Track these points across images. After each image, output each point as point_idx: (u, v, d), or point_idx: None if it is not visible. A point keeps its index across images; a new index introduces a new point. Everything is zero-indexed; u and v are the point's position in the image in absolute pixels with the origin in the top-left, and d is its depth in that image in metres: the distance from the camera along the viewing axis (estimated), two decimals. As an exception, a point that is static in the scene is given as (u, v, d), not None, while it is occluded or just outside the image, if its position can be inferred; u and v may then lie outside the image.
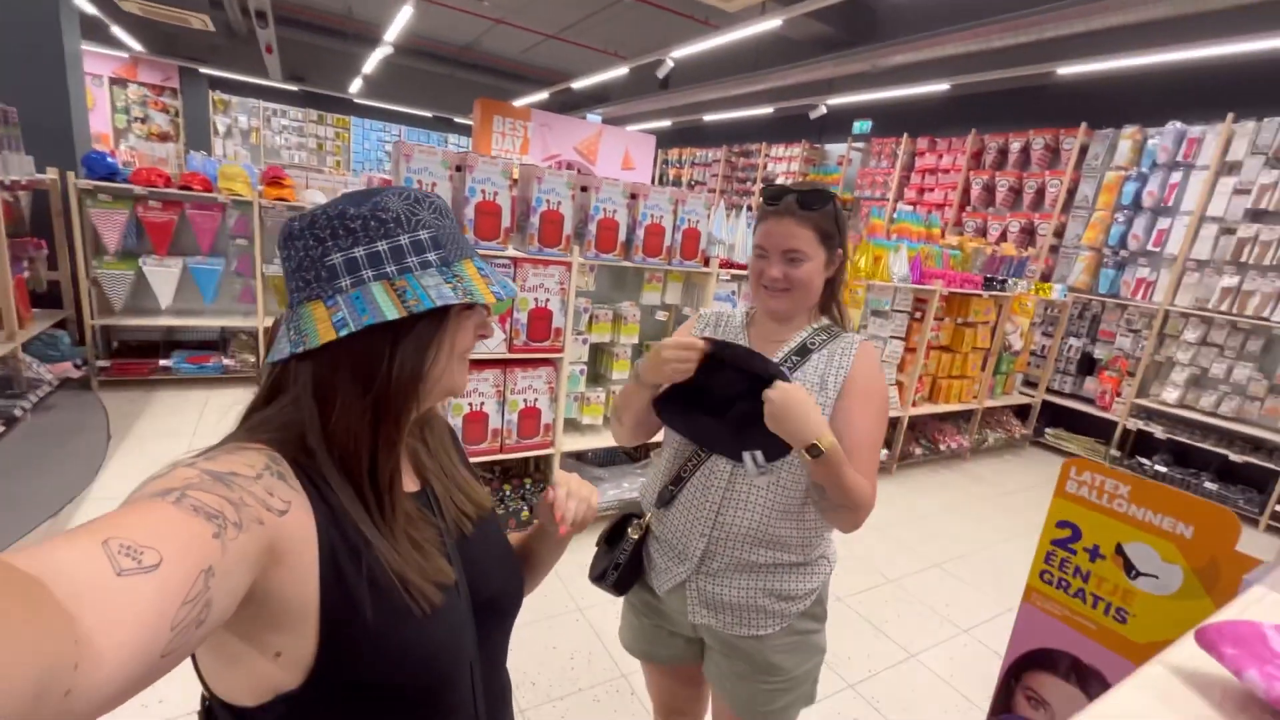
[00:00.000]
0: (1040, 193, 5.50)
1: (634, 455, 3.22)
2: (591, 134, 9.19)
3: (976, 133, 6.01)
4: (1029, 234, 5.58)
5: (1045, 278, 5.30)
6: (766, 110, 8.26)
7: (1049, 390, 5.06)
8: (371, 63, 9.32)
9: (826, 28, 5.92)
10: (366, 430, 0.57)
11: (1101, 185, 4.95)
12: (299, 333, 0.55)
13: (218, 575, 0.41)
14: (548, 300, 2.44)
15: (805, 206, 1.04)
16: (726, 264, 2.96)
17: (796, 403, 0.91)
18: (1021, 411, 5.02)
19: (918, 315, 3.90)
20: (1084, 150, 5.15)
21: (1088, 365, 5.09)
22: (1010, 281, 4.32)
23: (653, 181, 10.46)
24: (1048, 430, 5.00)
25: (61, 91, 3.91)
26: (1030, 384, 5.09)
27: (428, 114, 11.98)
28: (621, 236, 2.57)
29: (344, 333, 0.54)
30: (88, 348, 3.70)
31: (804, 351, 1.10)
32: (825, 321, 1.15)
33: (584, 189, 2.49)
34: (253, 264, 4.03)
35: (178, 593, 0.37)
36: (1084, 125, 5.11)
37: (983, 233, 5.91)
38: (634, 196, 2.58)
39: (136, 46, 9.28)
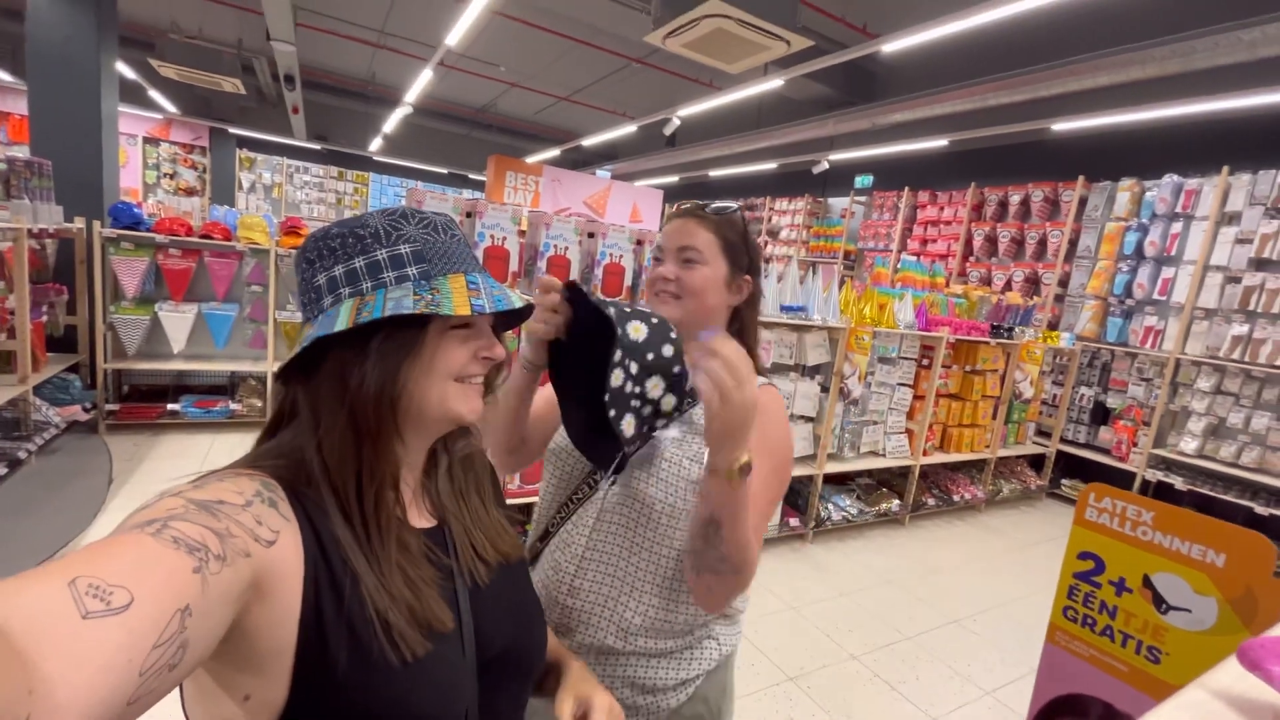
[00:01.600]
0: (1042, 243, 5.56)
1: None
2: (600, 189, 9.46)
3: (976, 186, 6.14)
4: (1033, 283, 5.61)
5: (1053, 326, 5.29)
6: (770, 166, 8.51)
7: (1063, 440, 4.96)
8: (391, 122, 9.75)
9: (826, 88, 6.17)
10: (350, 452, 0.55)
11: (1103, 235, 5.00)
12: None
13: (195, 614, 0.38)
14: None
15: (711, 212, 0.95)
16: (731, 309, 2.98)
17: (746, 367, 0.67)
18: (1036, 461, 4.91)
19: (925, 362, 3.88)
20: (1083, 202, 5.24)
21: (1101, 414, 5.00)
22: (1017, 329, 4.31)
23: (660, 234, 10.69)
24: (1064, 481, 4.87)
25: (96, 148, 4.11)
26: (1043, 433, 5.00)
27: (443, 170, 12.43)
28: (628, 281, 2.61)
29: (299, 350, 0.53)
30: (98, 392, 3.73)
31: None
32: None
33: (590, 235, 2.54)
34: (266, 309, 4.10)
35: (149, 635, 0.35)
36: (1081, 178, 5.22)
37: (987, 282, 5.94)
38: (640, 242, 2.62)
39: (171, 108, 9.81)
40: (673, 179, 11.03)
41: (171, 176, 10.49)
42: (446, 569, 0.61)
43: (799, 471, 3.34)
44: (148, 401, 3.98)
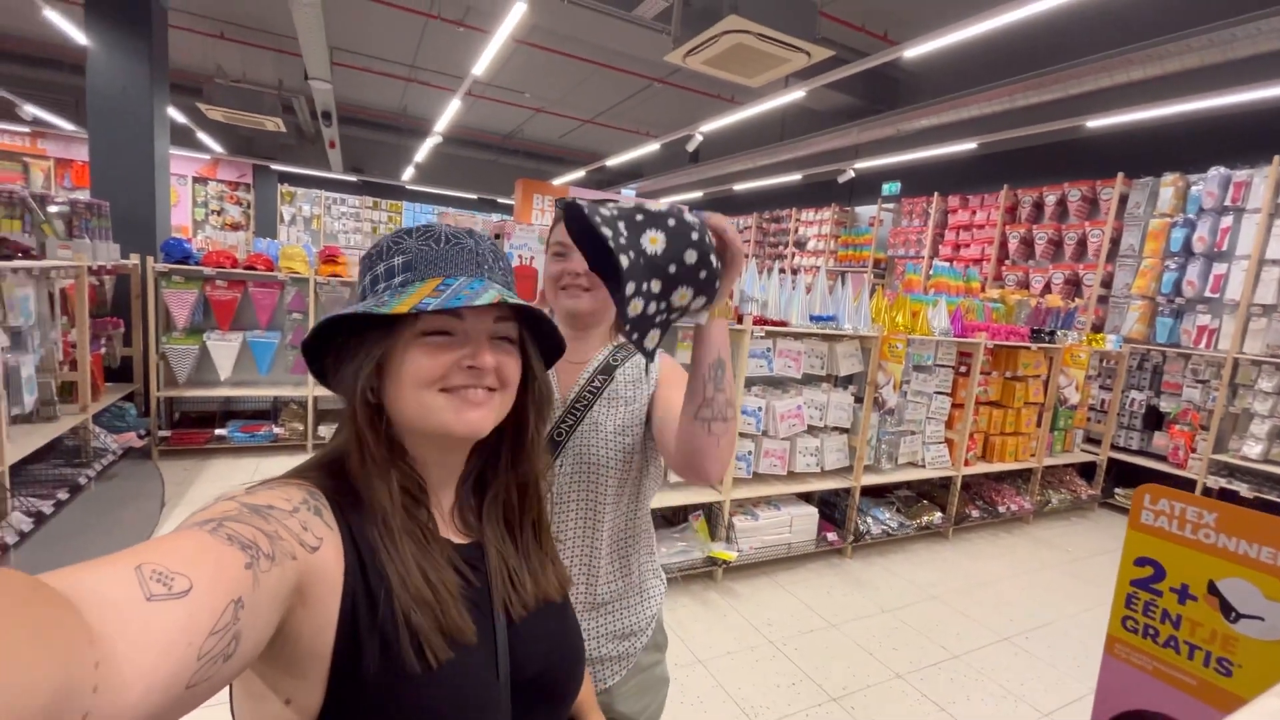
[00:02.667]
0: (1082, 243, 5.38)
1: (672, 518, 3.12)
2: (626, 207, 9.59)
3: (1009, 188, 6.00)
4: (1074, 285, 5.43)
5: (1097, 328, 5.10)
6: (795, 177, 8.48)
7: (1114, 447, 4.74)
8: (422, 152, 10.07)
9: (849, 97, 6.14)
10: (358, 457, 0.57)
11: (1147, 233, 4.82)
12: None
13: (247, 607, 0.40)
14: None
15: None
16: (760, 321, 2.96)
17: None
18: (1086, 470, 4.70)
19: (963, 370, 3.77)
20: (1124, 199, 5.06)
21: (1154, 419, 4.77)
22: (1059, 333, 4.16)
23: (686, 249, 10.72)
24: (1117, 490, 4.64)
25: (149, 188, 4.35)
26: (1093, 440, 4.79)
27: (473, 196, 12.75)
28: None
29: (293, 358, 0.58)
30: (151, 419, 3.91)
31: (608, 370, 0.99)
32: (622, 340, 1.04)
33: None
34: (303, 336, 4.24)
35: (206, 621, 0.37)
36: (1121, 175, 5.05)
37: (1025, 285, 5.77)
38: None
39: (218, 149, 10.34)
40: (697, 194, 11.08)
41: (219, 213, 11.03)
42: (476, 586, 0.61)
43: (835, 484, 3.27)
44: (197, 427, 4.14)
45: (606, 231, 0.65)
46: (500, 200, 12.82)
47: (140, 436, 3.77)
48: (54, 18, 5.22)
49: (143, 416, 3.94)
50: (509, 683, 0.59)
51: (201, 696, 0.37)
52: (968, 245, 6.42)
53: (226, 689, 0.54)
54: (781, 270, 3.21)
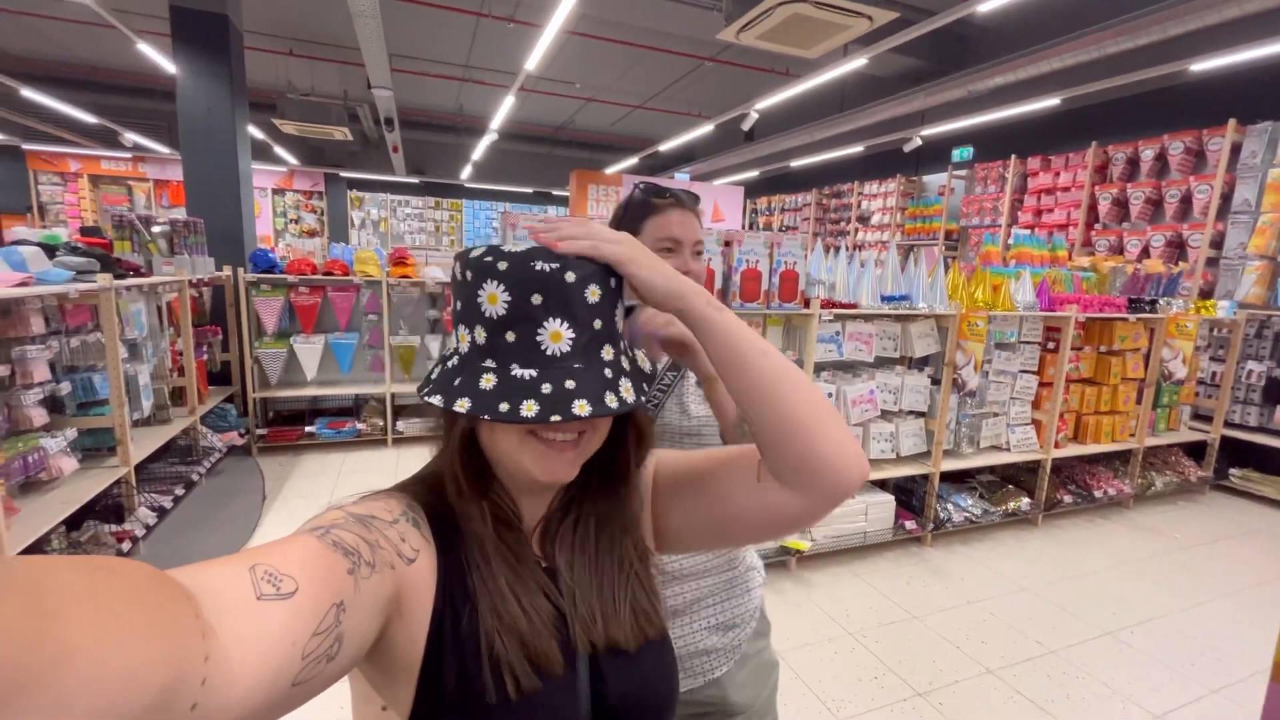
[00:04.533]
0: (1186, 200, 4.88)
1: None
2: (680, 191, 9.49)
3: (1098, 145, 5.51)
4: (1177, 247, 4.94)
5: (1206, 294, 4.63)
6: (857, 149, 8.12)
7: (1228, 424, 4.31)
8: (479, 150, 10.30)
9: (915, 60, 5.80)
10: (456, 481, 0.56)
11: (1265, 185, 4.32)
12: None
13: (349, 610, 0.42)
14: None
15: (695, 204, 1.01)
16: (828, 304, 2.86)
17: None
18: (1195, 450, 4.31)
19: (1051, 346, 3.52)
20: (1236, 149, 4.55)
21: (1276, 393, 4.31)
22: (1161, 301, 3.81)
23: (745, 230, 10.53)
24: (1232, 472, 4.23)
25: (236, 204, 4.65)
26: (1203, 418, 4.38)
27: (529, 190, 12.96)
28: (717, 284, 2.57)
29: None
30: (249, 418, 4.22)
31: (677, 366, 1.02)
32: None
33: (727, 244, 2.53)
34: (382, 336, 4.46)
35: (310, 622, 0.38)
36: (1232, 122, 4.53)
37: (1119, 250, 5.31)
38: (728, 244, 2.58)
39: (293, 160, 10.96)
40: (752, 174, 10.82)
41: (296, 221, 11.70)
42: (564, 614, 0.58)
43: (912, 470, 3.14)
44: (289, 425, 4.44)
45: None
46: (555, 192, 12.95)
47: (241, 435, 4.08)
48: (147, 50, 5.64)
49: (242, 416, 4.25)
50: (590, 713, 0.56)
51: (306, 695, 0.39)
52: (1051, 210, 5.96)
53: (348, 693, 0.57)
54: (847, 248, 3.09)
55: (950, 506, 3.33)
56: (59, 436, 2.44)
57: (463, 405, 0.50)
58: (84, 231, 3.34)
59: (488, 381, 0.51)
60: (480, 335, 0.53)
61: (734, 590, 1.03)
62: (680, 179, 10.09)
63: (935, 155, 7.51)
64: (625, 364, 0.55)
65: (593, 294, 0.52)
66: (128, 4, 5.27)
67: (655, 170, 11.56)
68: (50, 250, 2.60)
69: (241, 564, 0.38)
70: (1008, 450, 3.48)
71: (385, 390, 4.48)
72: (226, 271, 4.17)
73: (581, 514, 0.63)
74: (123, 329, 2.83)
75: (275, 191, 11.49)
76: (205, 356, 4.11)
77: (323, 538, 0.44)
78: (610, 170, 10.49)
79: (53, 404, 2.47)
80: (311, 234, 11.66)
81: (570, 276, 0.51)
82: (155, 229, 3.59)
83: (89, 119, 8.31)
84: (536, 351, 0.51)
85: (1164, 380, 3.90)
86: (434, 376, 0.56)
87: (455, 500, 0.56)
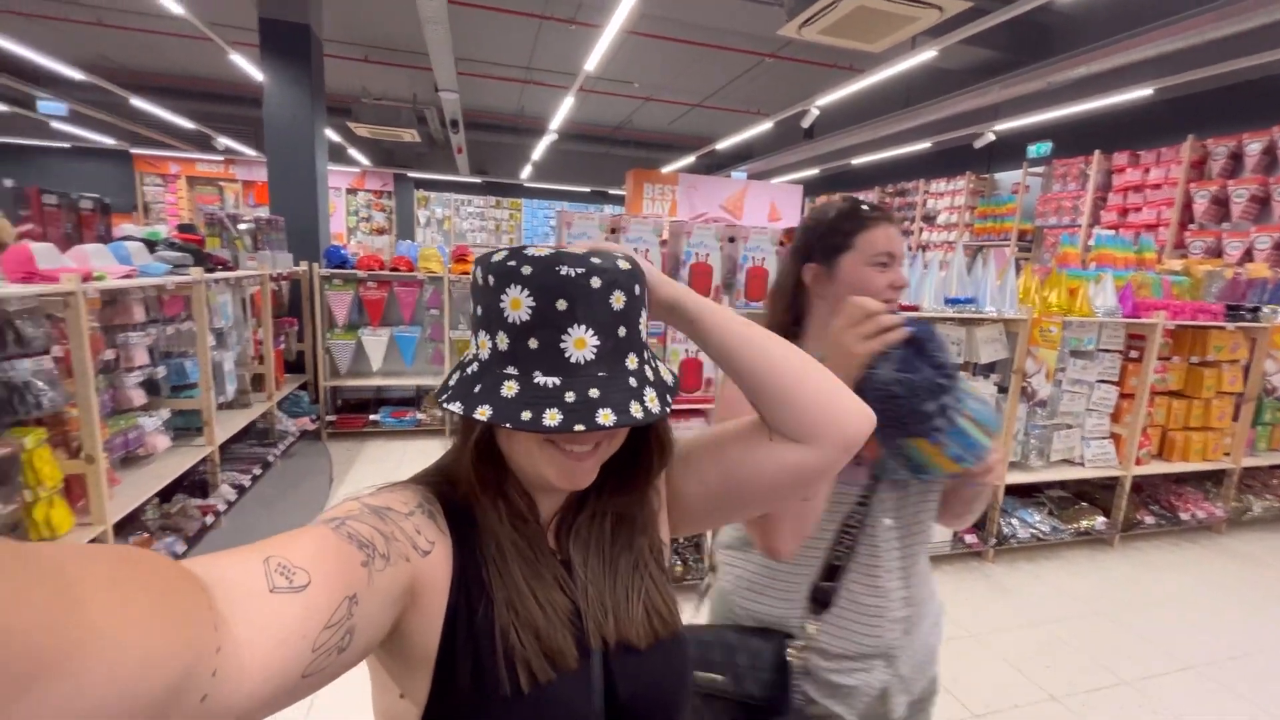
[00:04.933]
0: (1299, 199, 4.44)
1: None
2: (736, 190, 9.38)
3: (1195, 138, 5.09)
4: (1287, 250, 4.50)
5: (1320, 302, 4.20)
6: (923, 145, 7.80)
7: (1344, 446, 3.90)
8: (539, 150, 10.52)
9: (989, 51, 5.52)
10: (475, 478, 0.57)
11: (1397, 181, 3.87)
12: None
13: (361, 603, 0.42)
14: (697, 351, 2.46)
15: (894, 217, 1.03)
16: (886, 306, 2.77)
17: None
18: (1302, 473, 3.91)
19: (1134, 355, 3.28)
20: (1362, 142, 4.10)
21: (1405, 413, 3.85)
22: (1265, 309, 3.48)
23: (801, 230, 10.30)
24: (1348, 498, 3.82)
25: (313, 203, 4.94)
26: (1312, 437, 3.97)
27: (586, 189, 13.14)
28: (771, 283, 2.54)
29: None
30: (320, 405, 4.47)
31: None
32: None
33: (731, 239, 2.51)
34: (442, 330, 4.63)
35: (321, 615, 0.39)
36: (1358, 112, 4.09)
37: (1216, 253, 4.89)
38: (783, 243, 2.55)
39: (365, 162, 11.53)
40: (812, 172, 10.58)
41: (367, 220, 12.31)
42: (578, 606, 0.58)
43: (974, 481, 3.00)
44: (356, 413, 4.68)
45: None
46: (612, 191, 13.08)
47: (312, 421, 4.33)
48: (237, 60, 6.07)
49: (314, 403, 4.52)
50: (603, 709, 0.56)
51: (316, 685, 0.39)
52: (1138, 209, 5.55)
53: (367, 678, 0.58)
54: (911, 248, 2.97)
55: (1015, 521, 3.16)
56: (155, 416, 2.67)
57: (484, 413, 0.49)
58: (181, 229, 3.63)
59: (509, 389, 0.50)
60: (502, 341, 0.52)
61: (936, 626, 1.05)
62: (737, 178, 9.99)
63: (1009, 151, 7.13)
64: (650, 374, 0.55)
65: (618, 300, 0.52)
66: (223, 18, 5.68)
67: (712, 169, 11.49)
68: (151, 245, 2.84)
69: (256, 556, 0.38)
70: (1081, 465, 3.27)
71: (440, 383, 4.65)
72: (303, 266, 4.43)
73: (598, 510, 0.62)
74: (211, 319, 3.06)
75: (349, 191, 12.13)
76: (282, 346, 4.38)
77: (338, 529, 0.44)
78: (667, 169, 10.49)
79: (150, 386, 2.70)
80: (380, 232, 12.24)
81: (596, 282, 0.50)
82: (241, 226, 3.86)
83: (187, 125, 9.01)
84: (560, 359, 0.50)
85: (1266, 395, 3.56)
86: (451, 383, 0.54)
87: (472, 494, 0.57)
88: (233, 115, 9.35)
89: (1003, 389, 3.02)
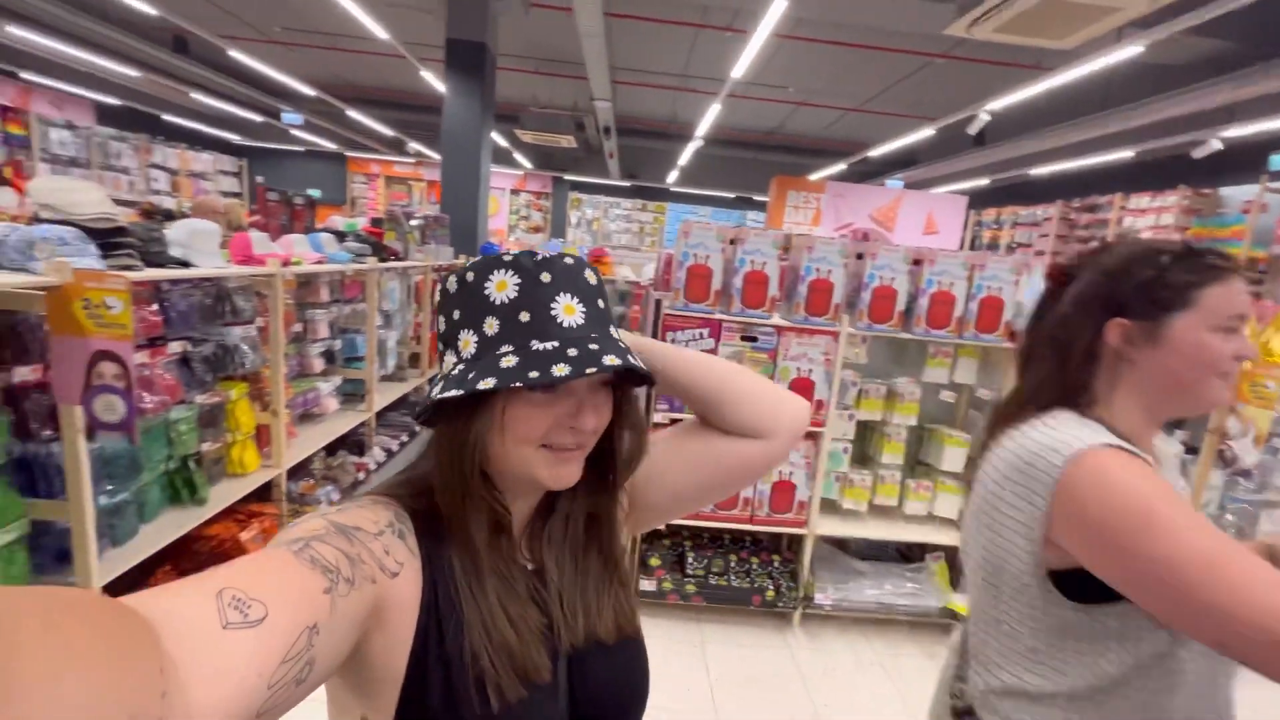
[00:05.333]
0: None
1: (908, 554, 2.80)
2: (889, 200, 8.78)
3: None
4: None
5: None
6: (1124, 154, 6.73)
7: None
8: (686, 155, 10.69)
9: (1217, 42, 4.61)
10: (454, 493, 0.55)
11: None
12: None
13: (322, 633, 0.41)
14: (810, 371, 2.36)
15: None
16: (1040, 339, 2.44)
17: None
18: None
19: (1396, 425, 2.56)
20: None
21: None
22: None
23: (963, 246, 9.38)
24: None
25: (474, 202, 5.49)
26: None
27: (730, 195, 13.09)
28: (900, 305, 2.36)
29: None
30: (463, 385, 4.96)
31: None
32: None
33: (859, 256, 2.38)
34: (573, 326, 4.92)
35: (278, 651, 0.37)
36: None
37: None
38: (917, 263, 2.35)
39: (528, 165, 12.52)
40: (980, 182, 9.58)
41: (526, 218, 13.37)
42: (549, 616, 0.59)
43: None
44: (492, 395, 5.12)
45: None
46: (755, 198, 12.90)
47: (455, 398, 4.81)
48: (426, 75, 6.91)
49: (458, 383, 5.02)
50: (567, 716, 0.58)
51: (274, 718, 0.38)
52: None
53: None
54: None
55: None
56: (329, 382, 3.14)
57: (488, 383, 0.49)
58: (372, 223, 4.24)
59: (508, 362, 0.51)
60: (491, 326, 0.53)
61: None
62: (892, 185, 9.35)
63: (1241, 162, 5.89)
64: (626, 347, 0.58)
65: (590, 277, 0.56)
66: (416, 38, 6.49)
67: (865, 177, 10.87)
68: (342, 236, 3.35)
69: (209, 589, 0.36)
70: (1301, 554, 2.63)
71: (571, 375, 4.93)
72: (462, 260, 4.94)
73: (572, 512, 0.64)
74: (381, 302, 3.53)
75: (513, 192, 13.26)
76: (437, 330, 4.92)
77: (300, 553, 0.43)
78: (815, 176, 10.12)
79: (328, 356, 3.19)
80: (536, 230, 13.22)
81: (569, 260, 0.56)
82: (413, 222, 4.39)
83: (386, 131, 10.43)
84: (554, 324, 0.53)
85: None
86: (434, 394, 0.53)
87: (453, 508, 0.55)
88: (422, 122, 10.64)
89: (1191, 450, 2.53)
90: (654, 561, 2.55)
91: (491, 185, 12.21)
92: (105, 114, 8.86)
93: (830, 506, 2.61)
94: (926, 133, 7.20)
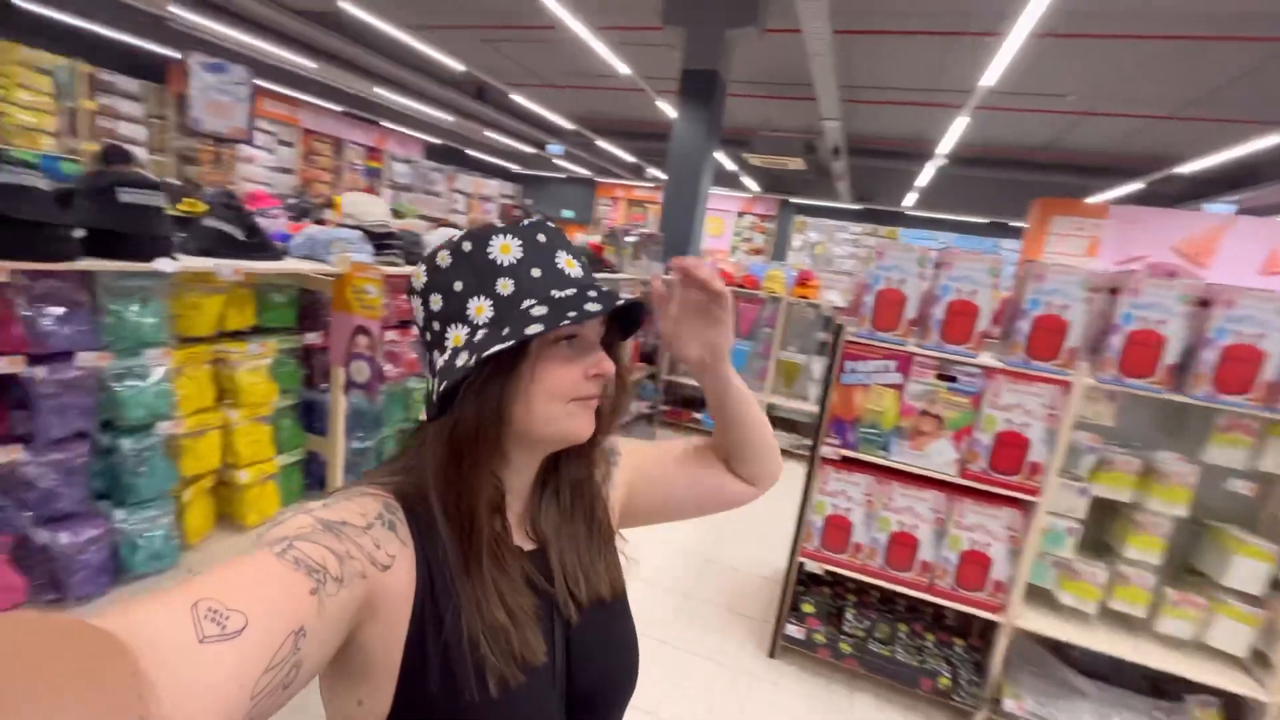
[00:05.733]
0: None
1: (1161, 686, 2.12)
2: (1205, 229, 6.86)
3: None
4: None
5: None
6: None
7: None
8: (924, 176, 9.72)
9: None
10: (453, 475, 0.55)
11: None
12: None
13: (309, 635, 0.40)
14: (1026, 425, 1.95)
15: None
16: None
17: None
18: None
19: None
20: None
21: None
22: None
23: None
24: None
25: (689, 221, 5.71)
26: None
27: (981, 220, 11.53)
28: (1170, 358, 1.82)
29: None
30: (658, 394, 5.18)
31: None
32: None
33: (1113, 291, 1.90)
34: (771, 348, 4.79)
35: (261, 660, 0.36)
36: None
37: None
38: (1204, 304, 1.79)
39: (755, 188, 12.63)
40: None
41: (748, 241, 13.49)
42: (546, 597, 0.60)
43: None
44: (684, 408, 5.25)
45: None
46: (1013, 224, 11.16)
47: (649, 406, 5.05)
48: (661, 105, 7.42)
49: (654, 391, 5.26)
50: (564, 695, 0.59)
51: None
52: None
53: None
54: None
55: None
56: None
57: (535, 329, 0.50)
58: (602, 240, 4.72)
59: (539, 311, 0.52)
60: (505, 287, 0.54)
61: None
62: (1219, 210, 7.26)
63: None
64: None
65: (573, 240, 0.61)
66: (655, 71, 7.02)
67: (1175, 200, 8.64)
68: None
69: (184, 602, 0.35)
70: None
71: (763, 399, 4.81)
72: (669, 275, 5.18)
73: (559, 485, 0.66)
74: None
75: (738, 215, 13.50)
76: (641, 339, 5.22)
77: (283, 555, 0.42)
78: (1094, 199, 8.36)
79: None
80: (757, 252, 13.25)
81: (551, 224, 0.59)
82: (627, 239, 4.75)
83: (628, 158, 11.46)
84: (564, 275, 0.57)
85: None
86: (457, 363, 0.53)
87: (456, 486, 0.55)
88: (658, 150, 11.48)
89: None
90: (807, 608, 2.34)
91: (717, 208, 12.76)
92: (430, 150, 11.37)
93: (1043, 597, 2.12)
94: (1271, 141, 5.46)
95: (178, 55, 5.85)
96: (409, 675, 0.51)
